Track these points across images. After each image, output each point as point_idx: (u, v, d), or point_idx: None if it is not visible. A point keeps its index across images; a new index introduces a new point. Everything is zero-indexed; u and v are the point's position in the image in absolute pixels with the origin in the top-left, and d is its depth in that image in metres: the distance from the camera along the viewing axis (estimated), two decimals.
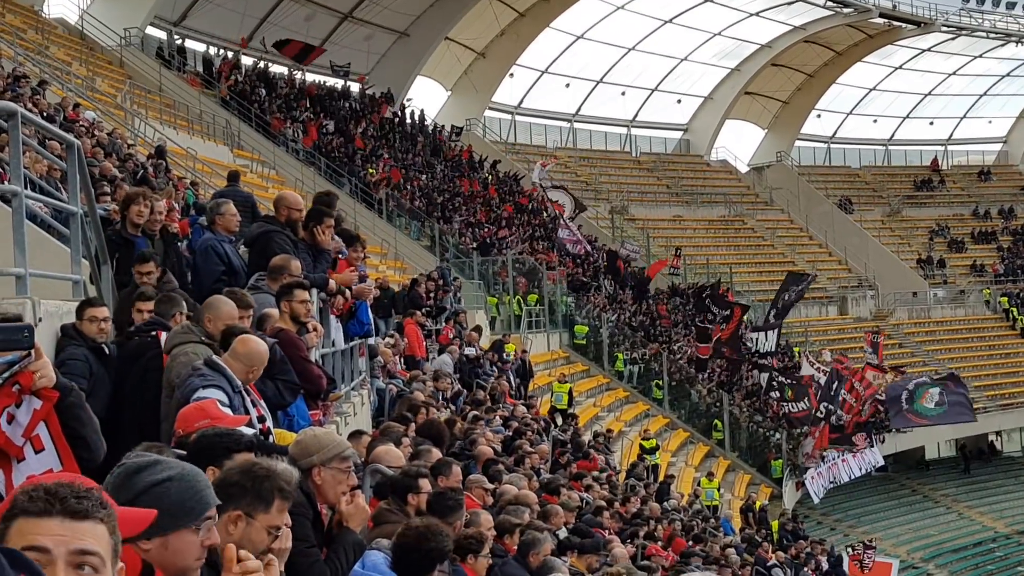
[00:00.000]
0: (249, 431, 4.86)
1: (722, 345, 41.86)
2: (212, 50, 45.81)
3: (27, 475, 3.99)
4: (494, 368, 23.92)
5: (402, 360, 17.72)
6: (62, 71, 30.00)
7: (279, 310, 7.78)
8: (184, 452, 4.66)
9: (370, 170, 41.85)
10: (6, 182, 10.08)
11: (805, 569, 28.03)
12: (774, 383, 40.65)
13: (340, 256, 10.90)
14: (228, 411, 5.12)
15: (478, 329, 25.42)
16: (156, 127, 30.84)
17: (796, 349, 49.56)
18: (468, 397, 18.99)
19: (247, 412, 5.60)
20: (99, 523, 2.51)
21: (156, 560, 3.16)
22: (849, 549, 33.61)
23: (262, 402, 6.07)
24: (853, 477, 40.93)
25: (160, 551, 3.15)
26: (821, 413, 38.92)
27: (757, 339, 41.42)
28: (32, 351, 4.13)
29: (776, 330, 41.85)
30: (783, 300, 43.15)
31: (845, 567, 31.96)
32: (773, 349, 41.35)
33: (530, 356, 31.01)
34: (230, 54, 45.64)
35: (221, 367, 5.79)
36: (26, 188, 7.96)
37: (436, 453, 9.12)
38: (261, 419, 5.93)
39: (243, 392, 5.82)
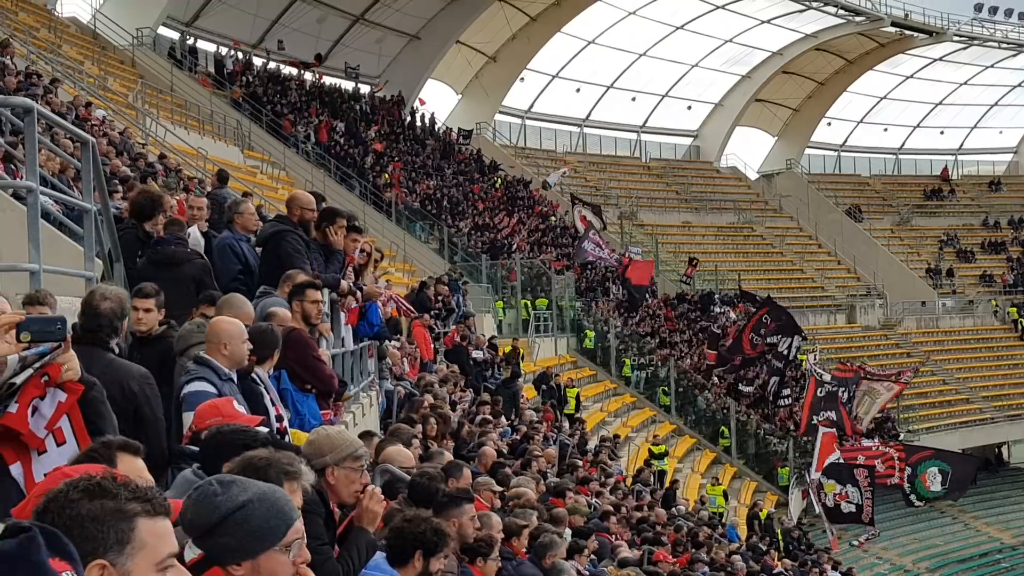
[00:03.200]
0: (264, 429, 4.88)
1: (731, 350, 41.74)
2: (223, 50, 45.89)
3: (48, 468, 3.99)
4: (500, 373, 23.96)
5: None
6: (74, 70, 30.06)
7: (291, 310, 7.79)
8: (196, 449, 4.68)
9: (385, 176, 41.93)
10: (19, 179, 10.11)
11: None
12: (785, 386, 40.51)
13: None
14: (243, 410, 5.13)
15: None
16: (167, 127, 30.91)
17: (802, 357, 49.46)
18: (477, 401, 19.01)
19: (240, 399, 5.60)
20: None
21: None
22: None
23: (279, 401, 6.10)
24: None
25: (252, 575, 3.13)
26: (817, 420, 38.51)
27: (781, 341, 41.05)
28: (63, 343, 4.17)
29: (798, 337, 41.54)
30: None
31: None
32: (795, 355, 41.19)
33: (536, 359, 31.11)
34: (241, 55, 45.73)
35: (207, 360, 5.82)
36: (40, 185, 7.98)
37: (447, 455, 9.14)
38: (279, 418, 5.95)
39: (232, 378, 5.84)
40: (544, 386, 28.27)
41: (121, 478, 2.56)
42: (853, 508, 32.62)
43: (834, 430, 35.04)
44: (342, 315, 10.61)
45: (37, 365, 4.12)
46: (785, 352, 40.69)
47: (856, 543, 34.12)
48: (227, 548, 3.02)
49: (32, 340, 4.08)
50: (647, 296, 46.35)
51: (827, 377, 40.81)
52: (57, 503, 2.49)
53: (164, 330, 6.93)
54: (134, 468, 3.40)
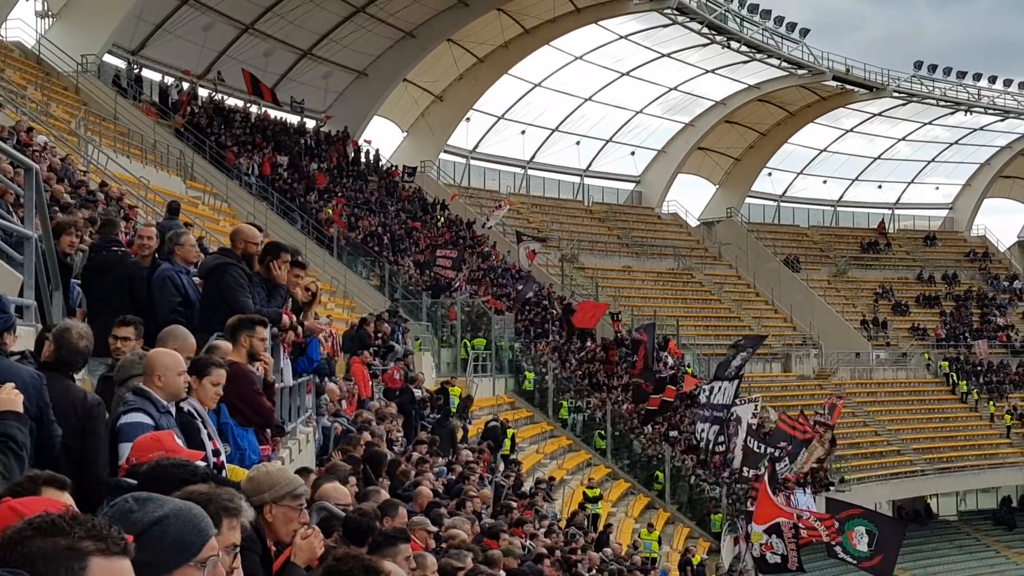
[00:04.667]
0: (201, 464, 4.84)
1: (644, 377, 42.11)
2: (168, 80, 45.64)
3: None
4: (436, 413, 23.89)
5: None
6: (17, 95, 29.78)
7: (237, 343, 7.74)
8: (135, 482, 4.63)
9: (327, 210, 41.81)
10: None
11: None
12: (720, 437, 40.65)
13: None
14: (182, 444, 5.09)
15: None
16: (109, 155, 30.66)
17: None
18: (414, 440, 18.94)
19: (178, 432, 5.57)
20: None
21: None
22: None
23: (217, 435, 6.06)
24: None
25: None
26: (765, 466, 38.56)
27: (712, 388, 41.30)
28: None
29: (735, 383, 41.67)
30: (739, 357, 42.94)
31: None
32: (730, 401, 41.25)
33: (475, 398, 31.03)
34: (186, 86, 45.52)
35: (145, 391, 5.79)
36: None
37: (383, 494, 9.09)
38: (216, 452, 5.91)
39: (170, 411, 5.81)
40: (492, 423, 28.29)
41: (79, 516, 2.53)
42: (779, 559, 32.59)
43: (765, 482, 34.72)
44: (282, 350, 10.55)
45: None
46: (725, 401, 40.81)
47: None
48: (141, 563, 2.99)
49: None
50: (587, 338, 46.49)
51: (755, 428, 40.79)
52: (11, 540, 2.46)
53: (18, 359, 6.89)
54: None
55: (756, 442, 39.93)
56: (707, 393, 42.25)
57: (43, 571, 2.40)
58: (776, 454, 39.80)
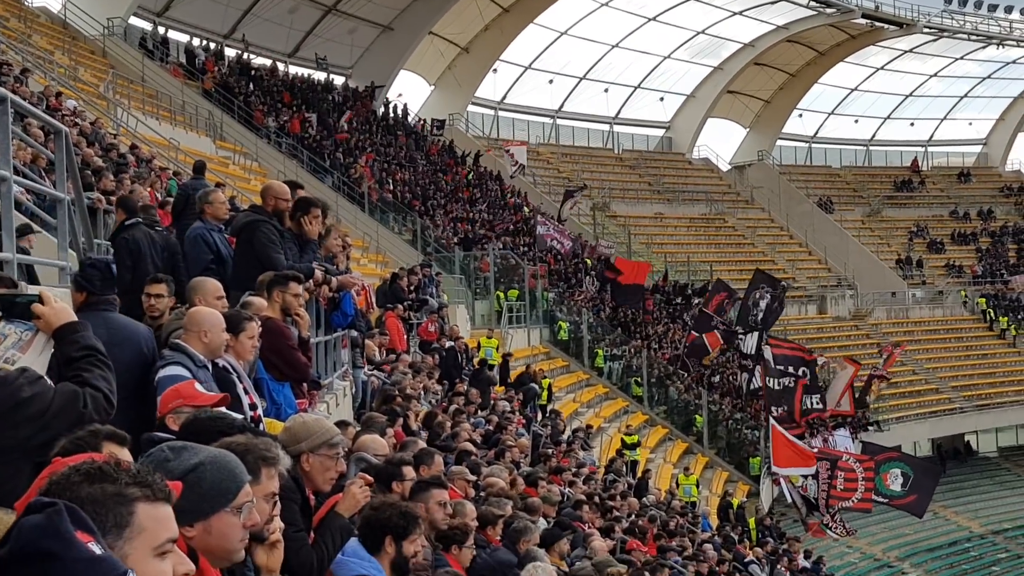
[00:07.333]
0: (239, 416, 4.90)
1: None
2: (195, 41, 45.68)
3: None
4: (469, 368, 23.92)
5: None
6: (44, 60, 29.87)
7: (271, 299, 7.79)
8: (169, 436, 4.69)
9: (357, 166, 41.84)
10: None
11: (779, 567, 28.17)
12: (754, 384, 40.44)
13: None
14: (203, 390, 5.15)
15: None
16: (138, 117, 30.76)
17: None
18: (450, 391, 19.05)
19: (215, 387, 5.63)
20: None
21: (201, 546, 3.21)
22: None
23: (253, 390, 6.13)
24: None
25: (204, 536, 3.20)
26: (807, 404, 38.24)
27: (745, 340, 41.02)
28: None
29: (758, 334, 41.24)
30: (763, 304, 42.28)
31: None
32: (753, 351, 40.94)
33: (511, 351, 31.11)
34: (212, 46, 45.53)
35: (181, 346, 5.86)
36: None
37: (420, 444, 9.18)
38: (252, 407, 5.98)
39: (207, 366, 5.87)
40: (530, 385, 27.93)
41: (123, 464, 2.60)
42: (812, 500, 32.76)
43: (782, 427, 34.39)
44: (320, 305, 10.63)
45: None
46: (751, 351, 40.54)
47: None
48: (178, 510, 3.07)
49: None
50: (641, 302, 45.65)
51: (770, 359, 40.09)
52: (59, 485, 2.53)
53: None
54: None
55: (773, 379, 39.42)
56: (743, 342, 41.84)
57: (91, 515, 2.47)
58: (790, 383, 39.19)
